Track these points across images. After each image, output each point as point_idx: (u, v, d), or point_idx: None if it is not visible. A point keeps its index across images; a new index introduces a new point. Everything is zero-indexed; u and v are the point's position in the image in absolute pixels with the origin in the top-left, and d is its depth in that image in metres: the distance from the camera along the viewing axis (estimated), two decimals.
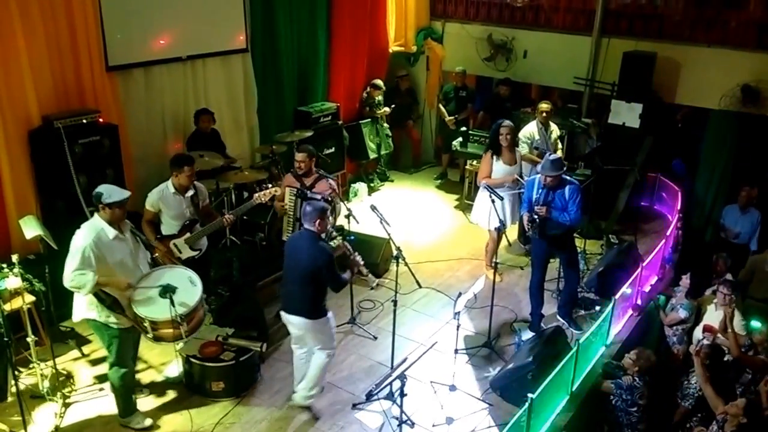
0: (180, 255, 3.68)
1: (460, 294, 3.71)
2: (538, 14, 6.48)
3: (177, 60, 4.76)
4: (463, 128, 6.40)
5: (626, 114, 5.73)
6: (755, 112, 5.48)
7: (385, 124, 6.63)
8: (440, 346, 3.81)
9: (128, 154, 4.42)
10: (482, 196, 4.71)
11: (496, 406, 3.60)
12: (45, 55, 3.93)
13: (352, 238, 3.92)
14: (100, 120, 4.08)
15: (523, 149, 5.29)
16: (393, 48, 6.87)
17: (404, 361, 3.11)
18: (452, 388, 3.72)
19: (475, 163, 5.82)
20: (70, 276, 2.94)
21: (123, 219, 3.08)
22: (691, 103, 5.98)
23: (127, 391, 3.30)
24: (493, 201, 4.19)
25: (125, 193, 3.05)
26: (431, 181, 6.99)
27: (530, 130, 5.34)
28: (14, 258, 3.45)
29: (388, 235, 3.92)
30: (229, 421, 3.44)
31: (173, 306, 2.97)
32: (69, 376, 3.68)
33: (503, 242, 5.32)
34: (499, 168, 4.62)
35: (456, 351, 3.80)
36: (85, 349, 3.89)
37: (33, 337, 3.52)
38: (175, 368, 3.78)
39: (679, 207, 5.54)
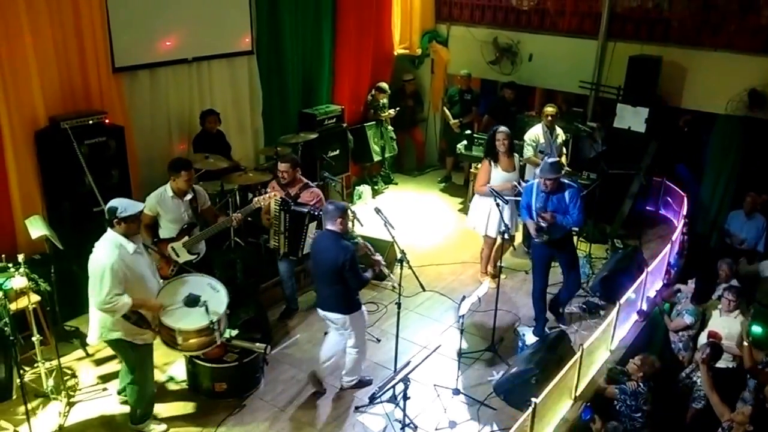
0: (177, 259, 3.66)
1: (464, 297, 3.70)
2: (543, 18, 6.47)
3: (183, 62, 4.79)
4: (468, 131, 6.40)
5: (632, 118, 5.71)
6: (762, 117, 5.45)
7: (390, 127, 6.63)
8: (443, 349, 3.80)
9: (134, 155, 4.44)
10: (479, 201, 4.68)
11: (499, 411, 3.59)
12: (52, 56, 3.96)
13: (357, 240, 3.92)
14: (106, 121, 4.10)
15: (527, 152, 5.28)
16: (398, 51, 6.89)
17: (408, 364, 3.10)
18: (455, 391, 3.71)
19: (479, 166, 5.80)
20: (105, 299, 2.81)
21: (138, 233, 3.03)
22: (698, 108, 5.94)
23: (147, 405, 3.28)
24: (498, 205, 4.18)
25: (139, 206, 3.01)
26: (435, 184, 6.99)
27: (535, 132, 5.32)
28: (20, 258, 3.46)
29: (393, 237, 3.92)
30: (232, 422, 3.44)
31: (208, 314, 2.96)
32: (73, 376, 3.70)
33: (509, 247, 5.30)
34: (498, 175, 4.57)
35: (459, 355, 3.79)
36: (90, 348, 3.90)
37: (38, 336, 3.54)
38: (178, 368, 3.78)
39: (684, 212, 5.51)
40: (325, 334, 3.70)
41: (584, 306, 4.63)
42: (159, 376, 3.75)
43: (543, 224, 3.94)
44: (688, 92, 5.83)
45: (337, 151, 5.93)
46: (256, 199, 3.88)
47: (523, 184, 4.53)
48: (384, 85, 6.44)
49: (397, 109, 6.58)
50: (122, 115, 4.37)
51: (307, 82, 5.94)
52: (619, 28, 6.06)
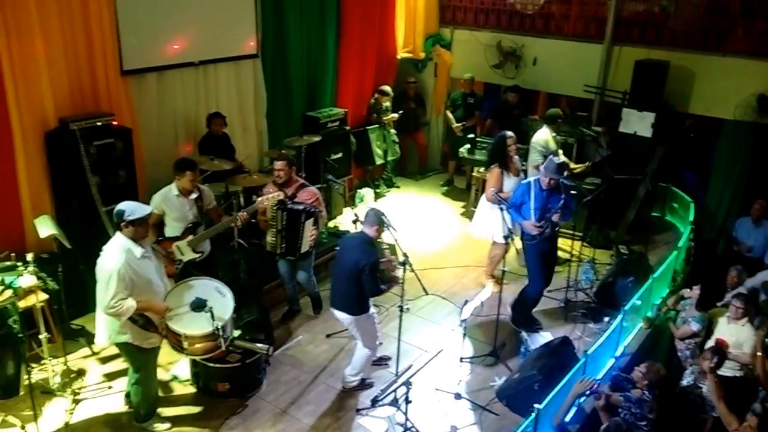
0: (182, 257, 3.70)
1: (466, 302, 3.70)
2: (548, 22, 6.46)
3: (190, 65, 4.84)
4: (471, 135, 6.39)
5: (638, 123, 5.66)
6: None
7: (392, 130, 6.64)
8: (445, 353, 3.79)
9: (141, 156, 4.49)
10: (490, 209, 4.60)
11: (501, 416, 3.58)
12: (62, 59, 4.02)
13: (384, 250, 3.95)
14: (114, 123, 4.15)
15: (534, 155, 5.24)
16: (401, 54, 6.90)
17: (409, 367, 3.11)
18: (457, 396, 3.70)
19: (482, 170, 5.79)
20: (110, 303, 2.82)
21: (146, 236, 3.02)
22: (705, 113, 5.89)
23: (151, 405, 3.31)
24: (502, 209, 4.18)
25: (147, 209, 3.01)
26: (437, 187, 6.99)
27: (545, 138, 5.24)
28: (29, 256, 3.52)
29: (395, 241, 3.93)
30: (234, 422, 3.46)
31: (213, 320, 2.98)
32: (80, 373, 3.73)
33: (511, 251, 5.28)
34: (510, 182, 4.54)
35: (461, 359, 3.78)
36: (95, 347, 3.94)
37: (45, 334, 3.59)
38: (182, 368, 3.81)
39: (691, 218, 5.46)
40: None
41: (588, 313, 4.61)
42: (163, 375, 3.77)
43: (547, 224, 3.97)
44: (695, 97, 5.79)
45: (340, 154, 5.95)
46: (259, 198, 3.91)
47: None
48: (387, 88, 6.46)
49: (400, 112, 6.59)
50: (130, 117, 4.43)
51: (311, 85, 5.97)
52: (624, 32, 6.04)
